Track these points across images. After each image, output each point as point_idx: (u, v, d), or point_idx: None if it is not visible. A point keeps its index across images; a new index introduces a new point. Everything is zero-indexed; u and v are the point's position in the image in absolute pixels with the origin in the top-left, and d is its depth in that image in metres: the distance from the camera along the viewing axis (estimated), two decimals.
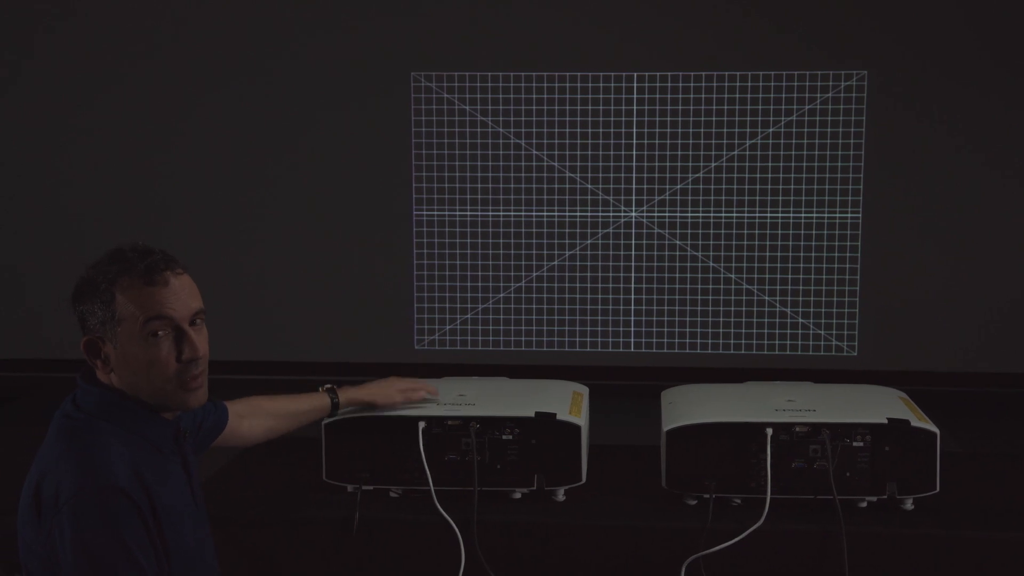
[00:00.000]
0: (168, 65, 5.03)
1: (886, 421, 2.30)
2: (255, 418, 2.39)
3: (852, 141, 4.85)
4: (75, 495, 1.81)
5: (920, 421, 2.32)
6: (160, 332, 1.90)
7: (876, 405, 2.42)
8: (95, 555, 1.81)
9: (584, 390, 2.62)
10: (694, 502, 2.36)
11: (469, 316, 5.06)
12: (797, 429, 2.31)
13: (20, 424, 4.53)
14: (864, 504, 2.34)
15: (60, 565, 1.82)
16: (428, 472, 2.35)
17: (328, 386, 2.47)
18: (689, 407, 2.44)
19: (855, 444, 2.30)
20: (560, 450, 2.39)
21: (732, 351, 4.98)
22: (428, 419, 2.40)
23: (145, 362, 1.90)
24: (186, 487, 2.03)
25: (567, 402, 2.49)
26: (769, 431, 2.30)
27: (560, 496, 2.42)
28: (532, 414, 2.39)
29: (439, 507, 2.31)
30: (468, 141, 4.96)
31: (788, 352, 4.97)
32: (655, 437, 2.41)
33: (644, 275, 4.98)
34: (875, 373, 4.47)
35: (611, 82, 4.90)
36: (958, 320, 4.93)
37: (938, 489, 2.31)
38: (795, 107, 4.85)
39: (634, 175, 4.94)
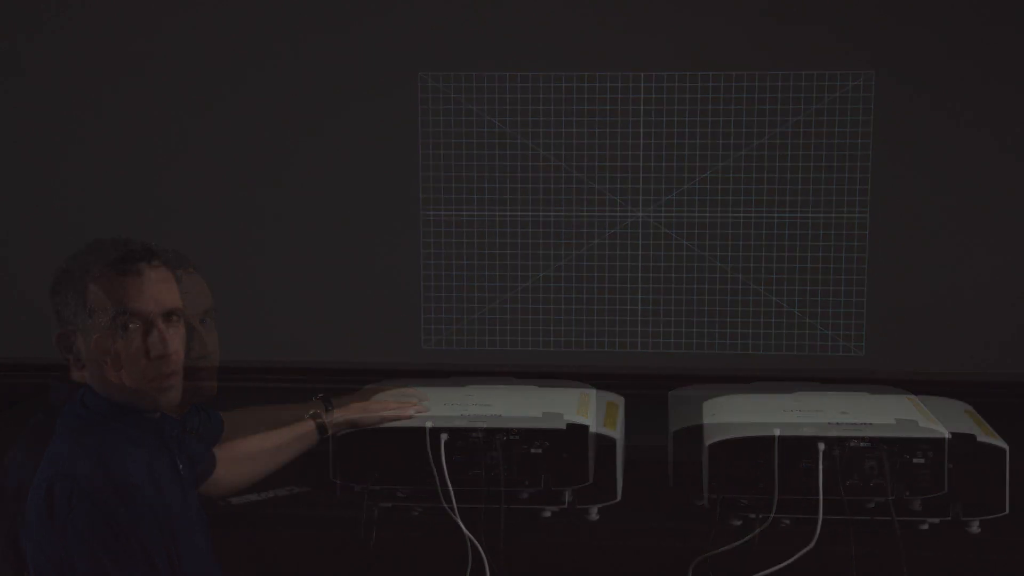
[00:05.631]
0: (170, 64, 5.00)
1: (949, 436, 2.18)
2: (234, 464, 2.28)
3: (859, 141, 4.83)
4: (89, 494, 1.80)
5: (987, 436, 2.21)
6: (131, 325, 1.86)
7: (938, 417, 2.29)
8: (108, 555, 1.80)
9: (620, 400, 2.50)
10: (739, 523, 2.25)
11: (476, 316, 5.04)
12: (852, 444, 2.18)
13: (24, 427, 4.52)
14: (925, 527, 2.23)
15: (73, 565, 1.81)
16: (451, 487, 2.29)
17: (313, 412, 2.42)
18: (733, 418, 2.32)
19: (915, 461, 2.15)
20: (585, 461, 2.31)
21: (739, 351, 4.96)
22: (451, 431, 2.34)
23: (113, 356, 1.86)
24: (192, 487, 2.02)
25: (588, 409, 2.43)
26: (821, 446, 2.17)
27: (593, 515, 2.34)
28: (563, 426, 2.32)
29: (459, 522, 2.25)
30: (475, 141, 4.94)
31: (796, 352, 4.95)
32: (662, 437, 2.39)
33: (651, 275, 4.96)
34: (882, 374, 4.45)
35: (618, 82, 4.88)
36: (966, 321, 4.91)
37: (1007, 511, 2.19)
38: (802, 107, 4.83)
39: (641, 175, 4.92)
